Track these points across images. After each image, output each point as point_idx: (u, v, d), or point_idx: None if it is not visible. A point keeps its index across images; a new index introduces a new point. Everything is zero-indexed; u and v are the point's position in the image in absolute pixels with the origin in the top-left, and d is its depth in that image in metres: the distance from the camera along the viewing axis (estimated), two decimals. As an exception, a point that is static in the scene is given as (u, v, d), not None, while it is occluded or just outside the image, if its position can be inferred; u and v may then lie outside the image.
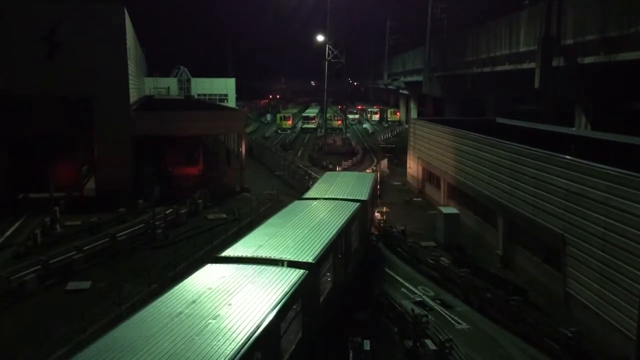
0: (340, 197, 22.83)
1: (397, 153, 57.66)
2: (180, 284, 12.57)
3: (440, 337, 15.38)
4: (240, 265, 14.02)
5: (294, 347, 12.67)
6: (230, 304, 11.48)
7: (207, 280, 12.89)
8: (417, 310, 17.53)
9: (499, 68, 42.71)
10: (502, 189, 24.10)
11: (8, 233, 27.88)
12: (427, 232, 28.29)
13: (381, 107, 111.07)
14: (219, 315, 10.88)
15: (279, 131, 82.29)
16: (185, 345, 9.47)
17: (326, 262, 15.90)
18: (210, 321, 10.54)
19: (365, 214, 22.85)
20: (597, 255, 16.92)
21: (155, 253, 25.18)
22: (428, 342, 15.33)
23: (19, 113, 33.63)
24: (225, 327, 10.37)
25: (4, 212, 31.11)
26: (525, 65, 37.26)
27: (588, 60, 30.04)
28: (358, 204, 21.68)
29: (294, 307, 12.74)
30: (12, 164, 34.94)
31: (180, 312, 10.84)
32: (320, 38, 65.76)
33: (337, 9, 58.72)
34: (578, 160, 18.58)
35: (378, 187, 34.32)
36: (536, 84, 33.73)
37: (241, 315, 10.99)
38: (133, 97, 42.04)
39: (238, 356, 9.28)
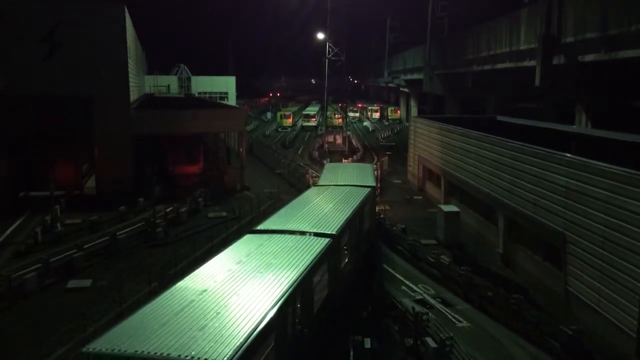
0: (352, 183, 25.12)
1: (397, 151, 57.66)
2: (226, 250, 15.10)
3: (441, 335, 15.38)
4: (274, 235, 16.77)
5: (322, 299, 15.62)
6: (270, 264, 13.98)
7: (248, 246, 15.54)
8: (418, 308, 17.52)
9: (500, 66, 42.68)
10: (503, 187, 24.09)
11: (9, 231, 27.91)
12: (428, 230, 28.30)
13: (381, 105, 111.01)
14: (262, 272, 13.38)
15: (280, 129, 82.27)
16: (240, 291, 12.12)
17: (345, 234, 18.48)
18: (257, 274, 13.17)
19: (374, 198, 25.53)
20: (598, 254, 16.91)
21: (155, 251, 25.18)
22: (428, 340, 15.32)
23: (19, 112, 33.64)
24: (269, 280, 12.92)
25: (5, 210, 31.13)
26: (525, 63, 37.22)
27: (588, 58, 30.00)
28: (369, 189, 24.10)
29: (322, 267, 15.56)
30: (13, 162, 34.96)
31: (230, 269, 13.40)
32: (320, 36, 65.66)
33: (337, 7, 58.61)
34: (578, 158, 18.55)
35: (377, 184, 34.46)
36: (537, 82, 33.70)
37: (281, 271, 13.49)
38: (133, 95, 42.03)
39: (283, 298, 11.94)
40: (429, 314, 17.44)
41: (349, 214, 19.41)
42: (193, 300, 11.46)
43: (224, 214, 31.75)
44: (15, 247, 25.26)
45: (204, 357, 9.28)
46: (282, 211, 19.88)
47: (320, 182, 26.19)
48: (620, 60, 27.68)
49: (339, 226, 17.71)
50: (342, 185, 24.80)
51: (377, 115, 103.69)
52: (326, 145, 60.27)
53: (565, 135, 28.78)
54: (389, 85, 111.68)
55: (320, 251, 15.31)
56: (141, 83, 66.32)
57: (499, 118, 40.34)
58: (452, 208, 27.22)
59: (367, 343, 14.81)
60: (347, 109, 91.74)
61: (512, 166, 23.22)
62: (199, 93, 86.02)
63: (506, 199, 23.63)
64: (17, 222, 29.52)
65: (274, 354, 11.32)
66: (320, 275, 15.37)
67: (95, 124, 35.26)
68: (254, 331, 10.35)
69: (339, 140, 65.48)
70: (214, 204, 34.02)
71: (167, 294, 11.91)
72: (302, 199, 22.03)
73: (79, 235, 26.90)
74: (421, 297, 19.94)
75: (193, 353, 9.35)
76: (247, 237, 16.55)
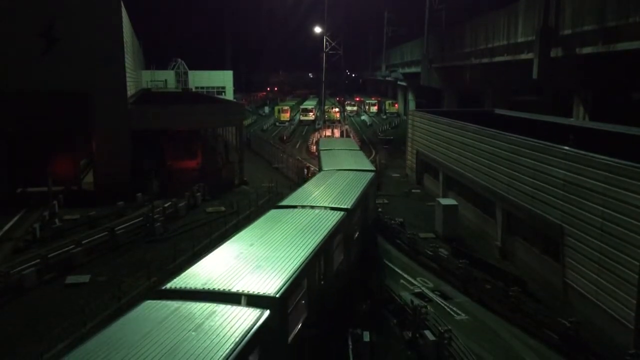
0: (352, 148, 33.93)
1: (395, 145, 57.66)
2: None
3: (440, 328, 15.43)
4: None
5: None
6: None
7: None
8: (417, 301, 17.58)
9: (498, 59, 42.61)
10: (501, 180, 24.11)
11: (7, 227, 27.87)
12: (426, 223, 28.34)
13: (379, 99, 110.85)
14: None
15: (277, 124, 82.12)
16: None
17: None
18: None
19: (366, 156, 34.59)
20: (595, 246, 16.97)
21: (154, 246, 25.20)
22: (427, 333, 15.38)
23: (17, 108, 33.52)
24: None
25: (3, 206, 31.07)
26: (523, 56, 37.16)
27: (586, 50, 29.96)
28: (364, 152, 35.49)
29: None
30: (11, 158, 34.88)
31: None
32: (318, 30, 65.47)
33: (335, 1, 58.44)
34: (576, 150, 18.58)
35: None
36: (534, 75, 33.67)
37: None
38: (130, 90, 41.94)
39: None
40: (428, 307, 17.49)
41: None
42: (253, 244, 14.08)
43: (223, 208, 31.75)
44: (14, 243, 25.24)
45: (256, 291, 11.25)
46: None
47: (330, 148, 33.45)
48: (618, 53, 27.66)
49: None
50: (347, 149, 33.10)
51: (375, 109, 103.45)
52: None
53: (564, 128, 28.79)
54: (387, 78, 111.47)
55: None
56: (138, 78, 66.18)
57: (497, 111, 40.35)
58: (451, 201, 27.25)
59: (366, 336, 14.86)
60: (345, 103, 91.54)
61: (510, 159, 23.24)
62: (197, 88, 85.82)
63: (504, 192, 23.66)
64: (15, 218, 29.48)
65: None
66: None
67: (93, 119, 35.14)
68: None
69: (337, 134, 65.51)
70: (212, 199, 34.01)
71: (222, 248, 13.82)
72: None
73: (78, 230, 26.89)
74: (420, 290, 20.01)
75: (248, 287, 11.34)
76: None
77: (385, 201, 33.25)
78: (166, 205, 30.15)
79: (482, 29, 45.46)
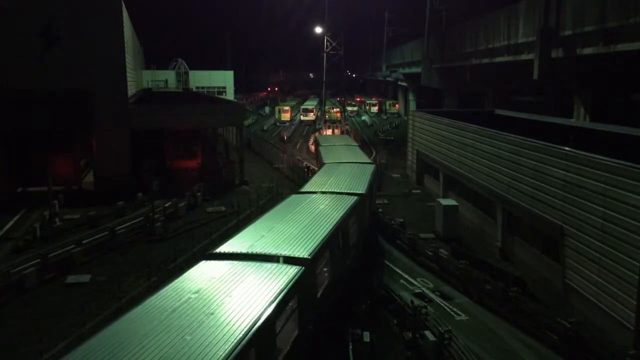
0: (350, 144, 37.80)
1: (396, 145, 57.64)
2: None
3: (440, 329, 15.42)
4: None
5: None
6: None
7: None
8: (417, 301, 17.57)
9: (498, 59, 42.59)
10: (501, 180, 24.11)
11: (7, 227, 27.88)
12: (426, 223, 28.33)
13: (380, 99, 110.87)
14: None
15: (278, 124, 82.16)
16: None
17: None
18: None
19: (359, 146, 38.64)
20: (596, 247, 16.95)
21: (154, 246, 25.20)
22: (427, 333, 15.37)
23: (17, 107, 33.54)
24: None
25: (3, 206, 31.09)
26: (524, 57, 37.15)
27: (587, 51, 29.94)
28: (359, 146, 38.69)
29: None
30: (11, 157, 34.89)
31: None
32: (318, 30, 65.46)
33: (335, 1, 58.42)
34: (576, 151, 18.57)
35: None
36: (535, 75, 33.65)
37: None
38: (131, 90, 41.94)
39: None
40: (428, 307, 17.48)
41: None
42: (281, 221, 16.72)
43: (223, 208, 31.75)
44: (14, 242, 25.25)
45: (291, 253, 13.63)
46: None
47: (329, 144, 36.72)
48: (618, 53, 27.65)
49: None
50: (344, 144, 36.49)
51: (375, 109, 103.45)
52: (325, 140, 60.08)
53: (564, 128, 28.78)
54: (387, 79, 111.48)
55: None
56: (139, 78, 66.17)
57: (498, 111, 40.32)
58: (451, 202, 27.24)
59: (366, 337, 14.87)
60: (346, 103, 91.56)
61: (510, 160, 23.23)
62: (197, 88, 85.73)
63: (504, 193, 23.65)
64: (16, 218, 29.50)
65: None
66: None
67: (93, 119, 35.16)
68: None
69: (338, 134, 65.42)
70: (212, 199, 34.02)
71: (253, 225, 16.32)
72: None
73: (78, 230, 26.89)
74: (420, 290, 20.00)
75: (283, 251, 13.83)
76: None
77: (386, 201, 33.24)
78: (166, 205, 30.17)
79: (482, 30, 45.43)
